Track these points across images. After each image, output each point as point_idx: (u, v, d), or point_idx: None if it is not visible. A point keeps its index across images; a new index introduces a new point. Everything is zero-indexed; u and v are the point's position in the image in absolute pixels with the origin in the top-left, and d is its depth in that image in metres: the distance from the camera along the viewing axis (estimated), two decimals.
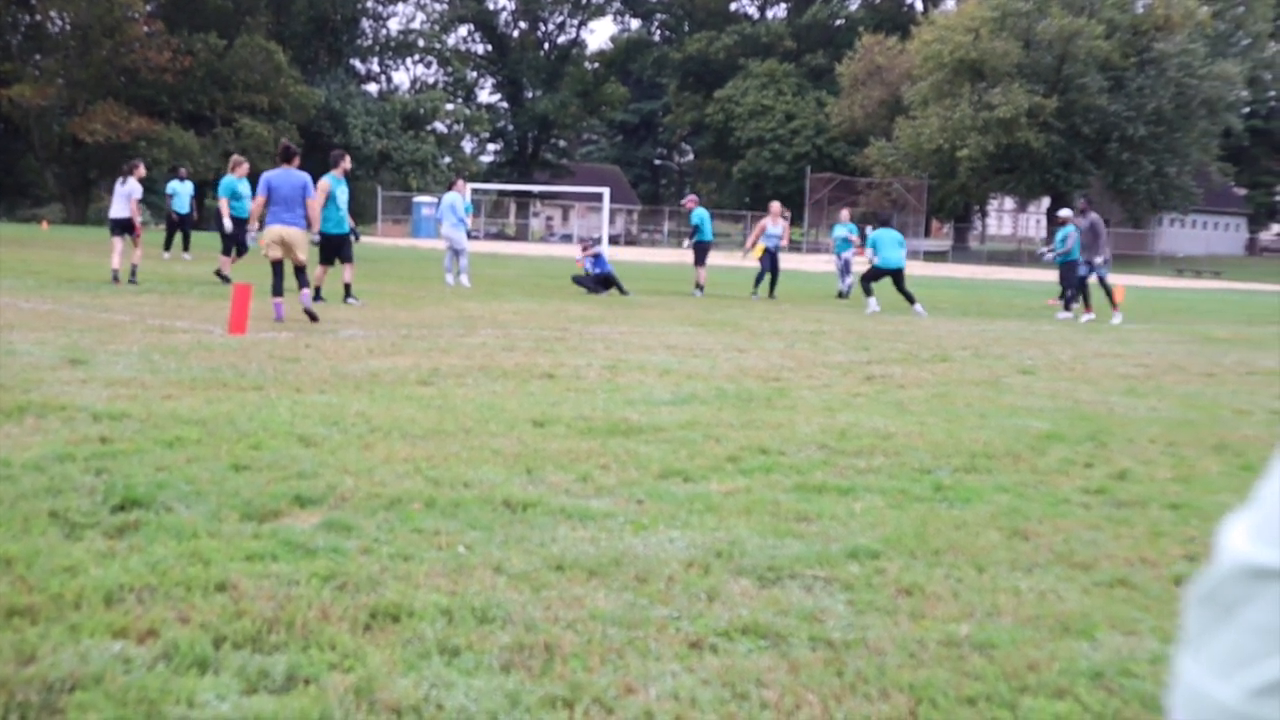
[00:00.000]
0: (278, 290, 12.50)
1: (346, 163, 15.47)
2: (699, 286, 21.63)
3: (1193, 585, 0.77)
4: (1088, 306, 19.49)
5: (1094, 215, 19.45)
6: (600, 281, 20.16)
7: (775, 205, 21.66)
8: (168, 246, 24.57)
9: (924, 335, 14.61)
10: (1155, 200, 65.24)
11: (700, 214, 21.88)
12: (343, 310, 13.94)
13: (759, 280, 21.31)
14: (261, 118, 62.57)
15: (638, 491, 5.17)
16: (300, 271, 12.62)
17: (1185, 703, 0.75)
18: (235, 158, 19.02)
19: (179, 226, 24.65)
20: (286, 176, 12.67)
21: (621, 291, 19.98)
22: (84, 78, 59.46)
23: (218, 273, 18.00)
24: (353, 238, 15.40)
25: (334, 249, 15.03)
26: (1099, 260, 19.16)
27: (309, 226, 12.77)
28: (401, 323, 12.72)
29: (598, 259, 20.40)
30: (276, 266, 12.61)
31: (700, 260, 21.88)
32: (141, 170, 17.57)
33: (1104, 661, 3.39)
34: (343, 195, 15.18)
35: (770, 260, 21.01)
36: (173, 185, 24.59)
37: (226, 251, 18.48)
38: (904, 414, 7.83)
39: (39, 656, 3.03)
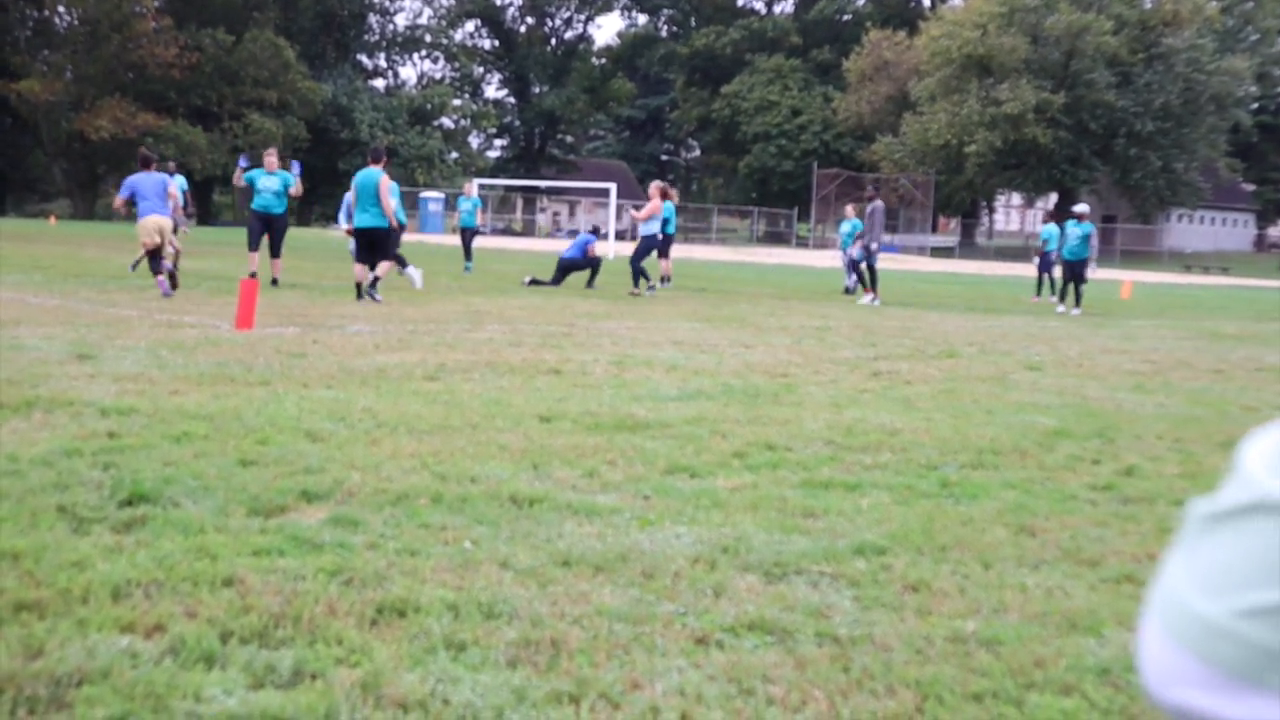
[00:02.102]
0: (156, 270, 14.12)
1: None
2: (665, 278, 21.69)
3: (1202, 501, 0.78)
4: (869, 289, 20.13)
5: (879, 202, 20.14)
6: (563, 270, 20.41)
7: (652, 186, 20.54)
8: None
9: (931, 331, 14.60)
10: (1163, 196, 65.14)
11: (669, 208, 21.89)
12: (350, 306, 13.95)
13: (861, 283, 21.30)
14: (269, 113, 62.69)
15: (644, 487, 5.17)
16: (157, 257, 14.25)
17: (1165, 607, 0.77)
18: (267, 151, 18.84)
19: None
20: (148, 178, 14.56)
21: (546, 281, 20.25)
22: (92, 73, 59.60)
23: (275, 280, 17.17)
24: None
25: (376, 243, 15.03)
26: (874, 246, 19.98)
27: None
28: (408, 318, 12.73)
29: (578, 245, 20.61)
30: (154, 252, 14.21)
31: (665, 253, 21.92)
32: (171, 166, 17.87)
33: (1111, 658, 3.39)
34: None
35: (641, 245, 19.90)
36: None
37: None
38: (911, 410, 7.82)
39: (46, 651, 3.04)
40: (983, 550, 4.44)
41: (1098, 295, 26.51)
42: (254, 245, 17.36)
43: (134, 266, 18.04)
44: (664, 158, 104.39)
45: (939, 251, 68.42)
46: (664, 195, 20.06)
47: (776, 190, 76.91)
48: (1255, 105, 71.64)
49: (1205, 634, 0.73)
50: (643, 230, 19.78)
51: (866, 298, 20.18)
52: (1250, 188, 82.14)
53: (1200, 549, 0.77)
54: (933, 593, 3.91)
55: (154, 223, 14.23)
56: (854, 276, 23.12)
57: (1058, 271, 24.26)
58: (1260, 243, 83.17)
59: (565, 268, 20.49)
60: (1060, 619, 3.71)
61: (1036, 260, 24.96)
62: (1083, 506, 5.26)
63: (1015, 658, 3.35)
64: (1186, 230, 76.75)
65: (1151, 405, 8.72)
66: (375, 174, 15.02)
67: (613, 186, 39.79)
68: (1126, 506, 5.29)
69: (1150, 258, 65.58)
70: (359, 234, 15.09)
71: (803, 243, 72.89)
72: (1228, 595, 0.73)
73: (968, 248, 71.60)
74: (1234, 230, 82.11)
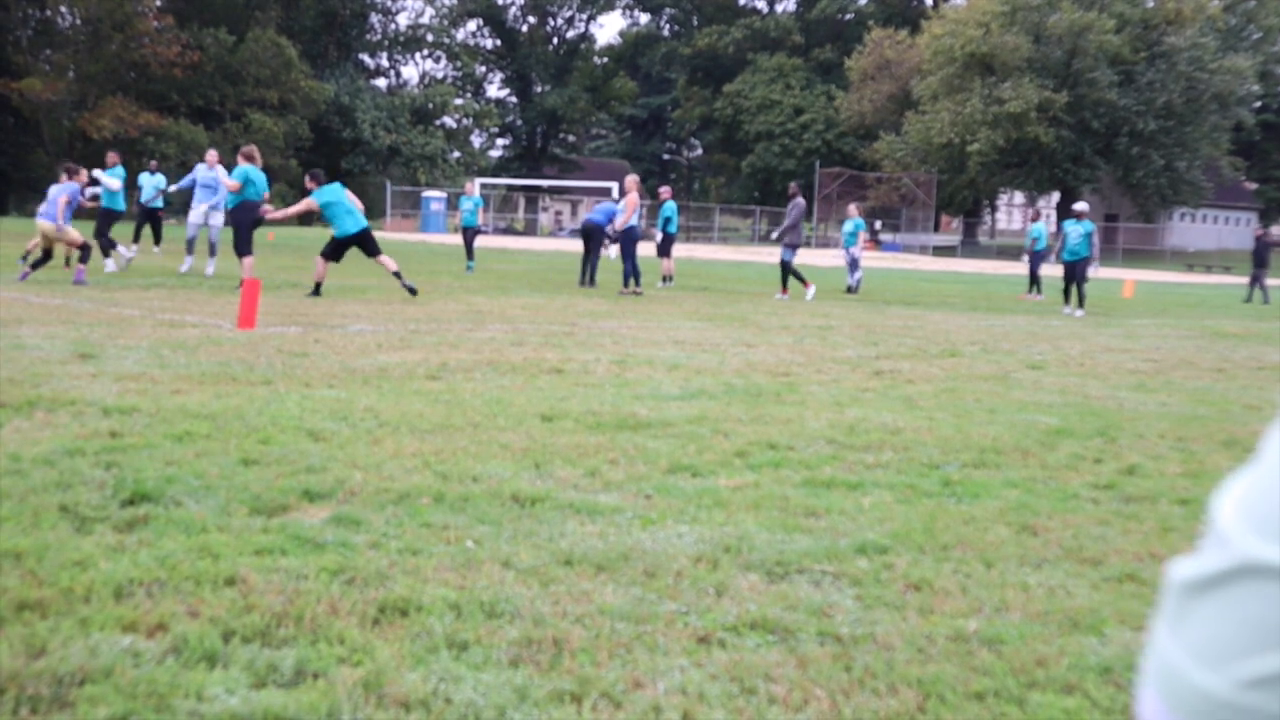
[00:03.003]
0: (25, 258, 16.10)
1: None
2: (666, 278, 21.68)
3: (1182, 564, 0.75)
4: (784, 288, 20.36)
5: (800, 199, 20.33)
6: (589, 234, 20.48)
7: (628, 180, 20.35)
8: (136, 239, 24.34)
9: (932, 330, 14.60)
10: (1165, 195, 65.02)
11: (671, 207, 21.85)
12: (352, 304, 13.95)
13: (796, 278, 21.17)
14: (271, 113, 62.66)
15: (646, 486, 5.17)
16: (83, 249, 15.58)
17: (1162, 681, 0.74)
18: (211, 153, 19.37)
19: (147, 219, 24.35)
20: (54, 186, 15.74)
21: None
22: (94, 72, 59.61)
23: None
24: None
25: (364, 245, 15.34)
26: (795, 243, 20.31)
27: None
28: (410, 317, 12.73)
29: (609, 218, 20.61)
30: (47, 251, 15.85)
31: (666, 252, 21.89)
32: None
33: (1113, 657, 3.38)
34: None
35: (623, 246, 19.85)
36: (142, 177, 24.38)
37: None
38: (913, 409, 7.82)
39: (49, 650, 3.04)
40: (985, 549, 4.44)
41: (1100, 294, 26.49)
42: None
43: (33, 265, 18.00)
44: (666, 157, 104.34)
45: (941, 250, 68.36)
46: (639, 190, 20.06)
47: (779, 189, 76.78)
48: (1258, 104, 71.51)
49: (1210, 709, 0.70)
50: (629, 224, 19.80)
51: (791, 295, 20.15)
52: (1253, 186, 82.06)
53: (1190, 619, 0.73)
54: (935, 592, 3.91)
55: (38, 226, 15.73)
56: (856, 275, 23.12)
57: (1045, 270, 24.21)
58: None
59: (590, 231, 20.66)
60: (1062, 618, 3.71)
61: (1026, 259, 24.89)
62: (1085, 505, 5.26)
63: (1017, 656, 3.35)
64: (1189, 229, 76.68)
65: (1154, 404, 8.72)
66: (341, 187, 15.54)
67: (614, 186, 39.79)
68: (1128, 505, 5.29)
69: (1152, 256, 65.51)
70: (348, 240, 15.23)
71: (805, 242, 72.84)
72: (1228, 666, 0.70)
73: (970, 247, 71.52)
74: (1236, 229, 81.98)
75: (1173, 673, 0.73)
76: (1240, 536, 0.72)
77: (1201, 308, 24.60)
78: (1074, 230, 19.79)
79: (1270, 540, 0.70)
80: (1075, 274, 19.71)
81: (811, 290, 19.99)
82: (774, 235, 20.52)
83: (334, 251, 15.23)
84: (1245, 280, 30.47)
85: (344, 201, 15.20)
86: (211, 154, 19.84)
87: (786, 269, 20.09)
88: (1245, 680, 0.69)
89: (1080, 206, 20.61)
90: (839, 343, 12.34)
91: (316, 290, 14.96)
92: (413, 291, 15.26)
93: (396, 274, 15.24)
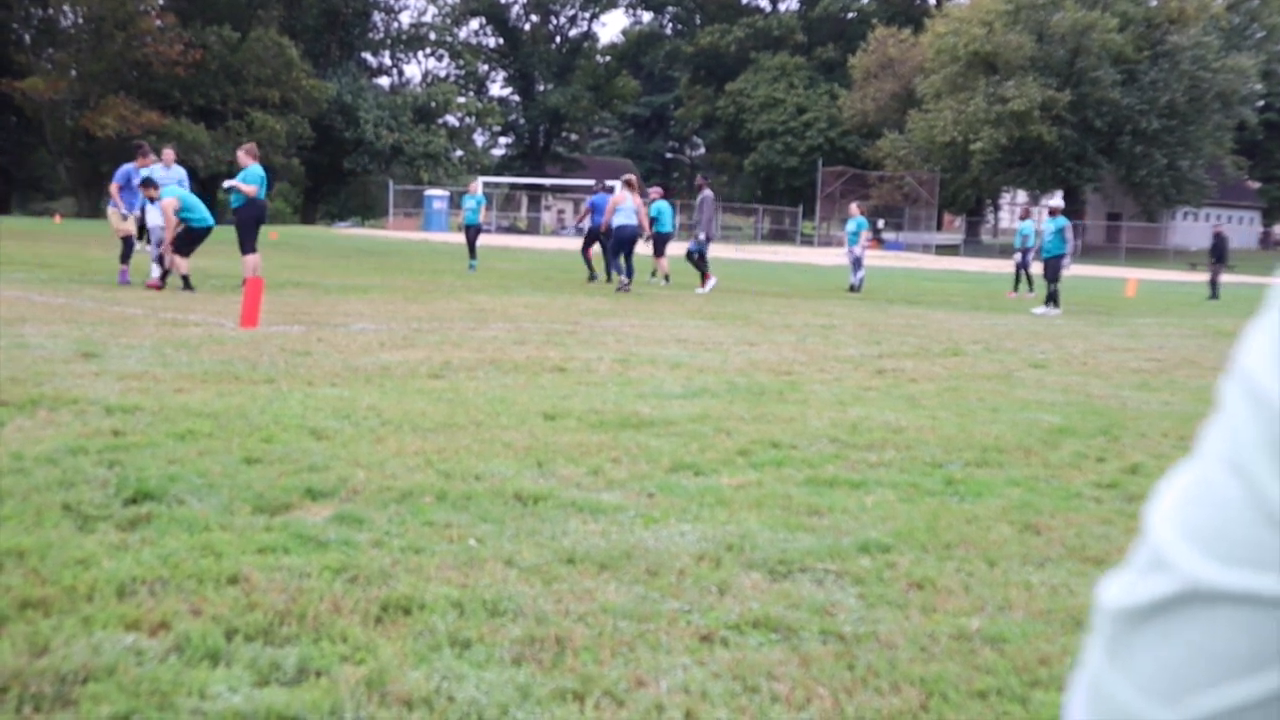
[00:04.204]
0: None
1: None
2: (664, 277, 21.71)
3: (1114, 589, 0.66)
4: (706, 278, 20.69)
5: (708, 192, 20.71)
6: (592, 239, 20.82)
7: (621, 180, 20.71)
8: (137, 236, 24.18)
9: (935, 329, 14.59)
10: (1168, 194, 64.99)
11: (659, 206, 21.83)
12: (355, 303, 13.95)
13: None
14: (273, 111, 62.68)
15: (649, 485, 5.17)
16: (126, 242, 16.21)
17: (1102, 713, 0.66)
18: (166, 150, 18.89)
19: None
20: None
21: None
22: (96, 71, 59.64)
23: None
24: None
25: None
26: (702, 236, 20.68)
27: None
28: (413, 316, 12.73)
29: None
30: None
31: (660, 251, 21.87)
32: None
33: None
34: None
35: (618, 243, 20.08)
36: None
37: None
38: (915, 408, 7.81)
39: (52, 648, 3.04)
40: (987, 548, 4.44)
41: (1103, 293, 26.49)
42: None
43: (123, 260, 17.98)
44: (668, 155, 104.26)
45: (944, 249, 68.31)
46: (630, 186, 20.09)
47: (781, 188, 76.82)
48: (1261, 103, 71.42)
49: None
50: (616, 222, 19.80)
51: (709, 284, 20.41)
52: (1256, 185, 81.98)
53: (1131, 649, 0.66)
54: (937, 590, 3.91)
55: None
56: (859, 274, 23.10)
57: (1036, 268, 24.12)
58: (1266, 240, 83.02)
59: (594, 237, 20.99)
60: (1065, 616, 3.71)
61: (1019, 256, 24.85)
62: (1087, 504, 5.25)
63: (1020, 655, 3.35)
64: (1192, 228, 76.57)
65: (1156, 403, 8.71)
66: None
67: (617, 184, 39.79)
68: (1131, 504, 5.29)
69: (1155, 255, 65.45)
70: (206, 231, 15.00)
71: (807, 240, 72.86)
72: (1182, 702, 0.63)
73: (972, 245, 71.46)
74: (1239, 228, 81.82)
75: (1116, 706, 0.66)
76: (1183, 557, 0.64)
77: (1204, 307, 24.58)
78: (1046, 227, 19.52)
79: (1219, 561, 0.63)
80: (1046, 270, 19.33)
81: (711, 283, 20.26)
82: (700, 235, 20.80)
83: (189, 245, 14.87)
84: (1244, 279, 30.28)
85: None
86: (169, 152, 18.62)
87: (698, 260, 20.41)
88: (1206, 714, 0.62)
89: (1054, 203, 20.35)
90: (841, 341, 12.33)
91: (186, 283, 14.60)
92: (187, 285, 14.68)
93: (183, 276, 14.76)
